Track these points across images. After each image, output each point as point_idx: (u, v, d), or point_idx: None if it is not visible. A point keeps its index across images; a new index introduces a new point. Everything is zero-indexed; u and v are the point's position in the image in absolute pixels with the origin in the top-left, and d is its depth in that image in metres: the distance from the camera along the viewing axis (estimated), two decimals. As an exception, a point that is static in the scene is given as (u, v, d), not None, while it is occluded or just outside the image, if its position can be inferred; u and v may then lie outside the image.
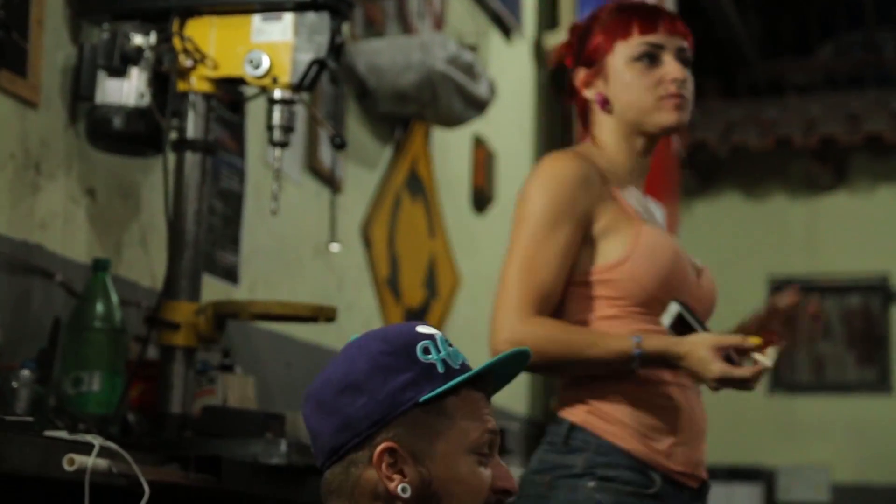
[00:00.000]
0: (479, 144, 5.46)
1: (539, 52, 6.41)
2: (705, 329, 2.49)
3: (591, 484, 2.42)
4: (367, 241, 4.41)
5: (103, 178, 2.98)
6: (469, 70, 4.43)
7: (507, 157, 5.82)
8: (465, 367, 1.73)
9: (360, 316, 4.33)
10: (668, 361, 2.46)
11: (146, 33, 2.78)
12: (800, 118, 8.22)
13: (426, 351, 1.70)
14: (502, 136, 5.75)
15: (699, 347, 2.42)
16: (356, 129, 4.37)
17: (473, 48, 5.07)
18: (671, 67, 2.58)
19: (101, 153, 2.91)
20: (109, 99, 2.79)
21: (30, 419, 2.16)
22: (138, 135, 2.80)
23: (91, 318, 2.65)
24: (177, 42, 2.78)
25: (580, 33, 2.67)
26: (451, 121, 4.57)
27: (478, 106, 4.55)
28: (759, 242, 8.59)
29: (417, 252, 4.83)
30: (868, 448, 8.21)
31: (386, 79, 4.26)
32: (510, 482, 1.75)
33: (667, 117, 2.60)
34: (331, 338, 4.06)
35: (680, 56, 2.61)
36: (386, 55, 4.29)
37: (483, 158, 5.49)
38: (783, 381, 8.49)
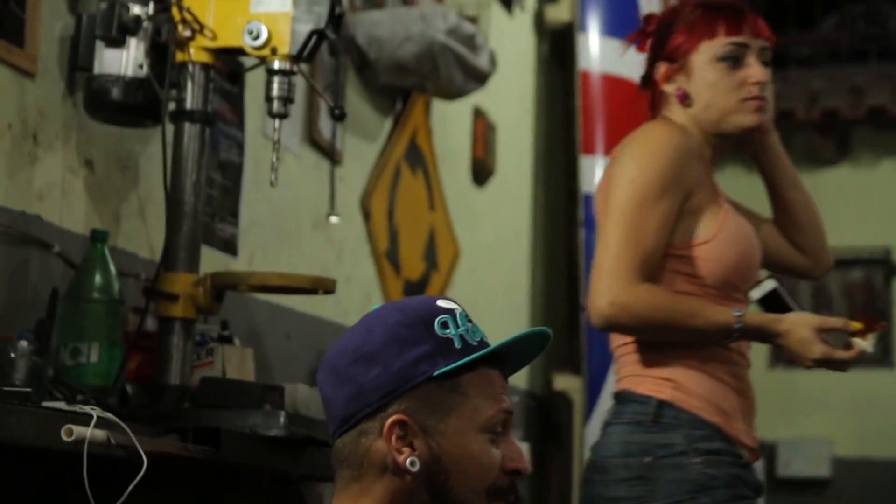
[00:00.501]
0: (480, 116, 5.45)
1: (540, 24, 6.40)
2: (801, 308, 2.55)
3: (698, 460, 2.44)
4: (367, 214, 4.40)
5: (101, 149, 2.97)
6: (469, 42, 4.41)
7: (507, 129, 5.81)
8: (483, 344, 1.72)
9: (360, 288, 4.33)
10: (766, 337, 2.54)
11: (144, 3, 2.77)
12: (802, 91, 8.19)
13: (444, 325, 1.69)
14: (503, 109, 5.74)
15: (800, 327, 2.48)
16: (356, 100, 4.35)
17: (474, 20, 5.05)
18: (754, 70, 2.61)
19: (99, 124, 2.90)
20: (107, 69, 2.78)
21: (28, 390, 2.16)
22: (136, 105, 2.79)
23: (89, 290, 2.65)
24: (175, 12, 2.77)
25: (660, 27, 2.67)
26: (452, 93, 4.56)
27: (478, 78, 4.53)
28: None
29: (417, 224, 4.82)
30: (869, 422, 8.21)
31: (386, 50, 4.24)
32: (522, 462, 1.74)
33: (748, 119, 2.64)
34: (330, 310, 4.05)
35: (762, 56, 2.63)
36: (386, 26, 4.27)
37: (483, 131, 5.47)
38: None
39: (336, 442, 1.72)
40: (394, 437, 1.66)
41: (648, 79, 2.70)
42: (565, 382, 6.13)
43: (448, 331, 1.69)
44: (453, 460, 1.68)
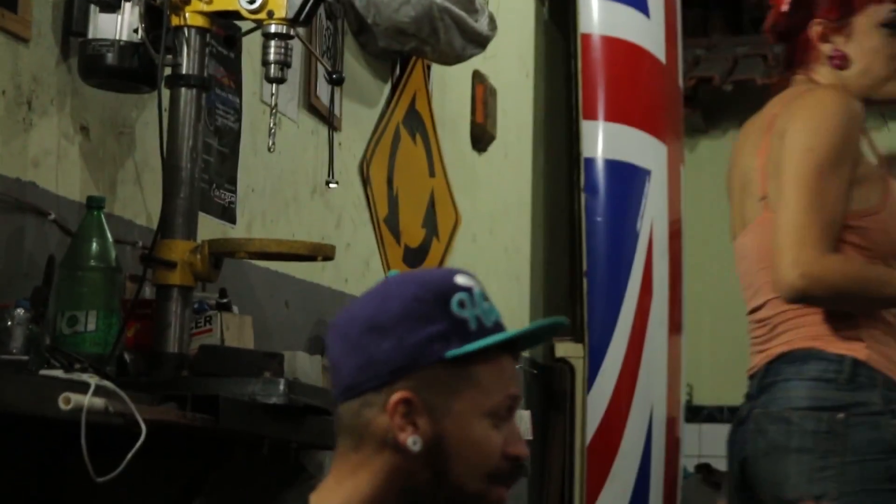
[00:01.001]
0: (480, 81, 5.41)
1: (540, -13, 6.36)
2: None
3: (894, 421, 2.43)
4: (366, 180, 4.38)
5: (97, 115, 2.94)
6: (469, 5, 4.38)
7: (507, 94, 5.78)
8: (497, 327, 1.70)
9: (359, 255, 4.31)
10: None
11: (138, -34, 2.74)
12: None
13: (461, 304, 1.67)
14: (503, 73, 5.70)
15: None
16: (354, 65, 4.32)
17: (473, -17, 5.01)
18: None
19: (94, 90, 2.87)
20: (102, 34, 2.75)
21: (25, 358, 2.15)
22: (132, 70, 2.76)
23: (86, 257, 2.63)
24: (170, -25, 2.74)
25: None
26: (451, 57, 4.52)
27: (478, 42, 4.50)
28: (763, 181, 8.55)
29: (417, 190, 4.79)
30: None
31: (384, 13, 4.20)
32: (522, 448, 1.72)
33: None
34: (329, 277, 4.04)
35: None
36: (384, -11, 4.23)
37: (483, 95, 5.44)
38: None
39: (340, 408, 1.71)
40: (398, 415, 1.65)
41: (788, 33, 2.66)
42: (567, 350, 6.12)
43: (464, 311, 1.67)
44: (455, 444, 1.66)
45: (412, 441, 1.64)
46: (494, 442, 1.68)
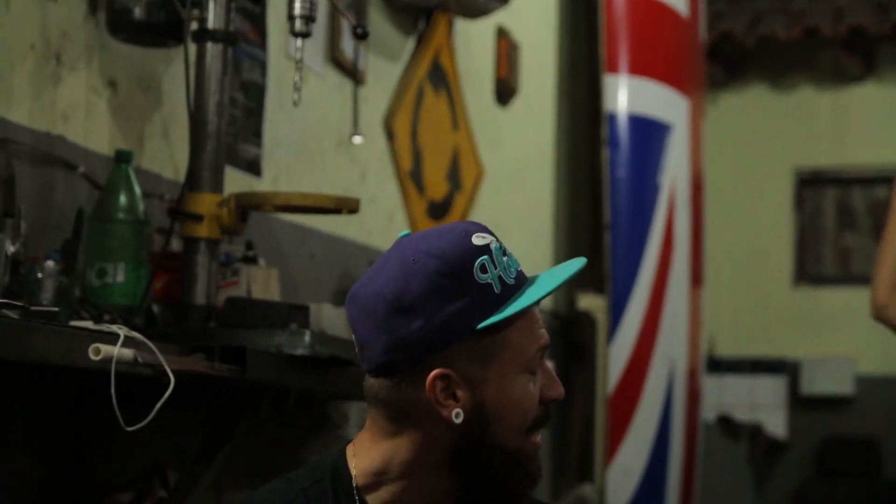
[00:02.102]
0: (503, 35, 5.41)
1: (563, -60, 6.34)
2: None
3: None
4: (390, 134, 4.40)
5: (125, 70, 2.97)
6: (492, -41, 4.38)
7: (530, 48, 5.77)
8: (520, 278, 1.69)
9: (384, 208, 4.33)
10: None
11: (165, -79, 2.75)
12: (828, 8, 8.10)
13: (483, 269, 1.65)
14: (526, 28, 5.70)
15: None
16: (378, 19, 4.33)
17: (497, -63, 5.00)
18: None
19: (121, 44, 2.89)
20: (129, -11, 2.77)
21: (55, 310, 2.16)
22: (159, 25, 2.78)
23: (114, 210, 2.65)
24: (196, -69, 2.75)
25: None
26: (475, 11, 4.53)
27: (501, -4, 4.50)
28: (786, 134, 8.53)
29: (440, 144, 4.81)
30: (893, 340, 8.14)
31: (408, -32, 4.21)
32: (558, 390, 1.73)
33: None
34: (354, 230, 4.06)
35: None
36: (408, -56, 4.24)
37: (506, 50, 5.44)
38: (808, 273, 8.48)
39: (371, 380, 1.70)
40: (437, 391, 1.64)
41: None
42: (589, 302, 6.14)
43: (487, 275, 1.65)
44: (496, 407, 1.66)
45: (454, 414, 1.64)
46: (533, 395, 1.69)
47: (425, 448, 1.67)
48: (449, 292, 1.63)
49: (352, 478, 1.69)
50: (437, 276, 1.64)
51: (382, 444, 1.69)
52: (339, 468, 1.71)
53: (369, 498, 1.69)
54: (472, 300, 1.64)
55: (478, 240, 1.67)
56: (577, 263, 1.72)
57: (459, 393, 1.65)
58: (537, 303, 1.69)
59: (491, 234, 1.70)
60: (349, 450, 1.73)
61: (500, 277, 1.66)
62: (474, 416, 1.65)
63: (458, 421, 1.65)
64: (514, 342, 1.67)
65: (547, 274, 1.73)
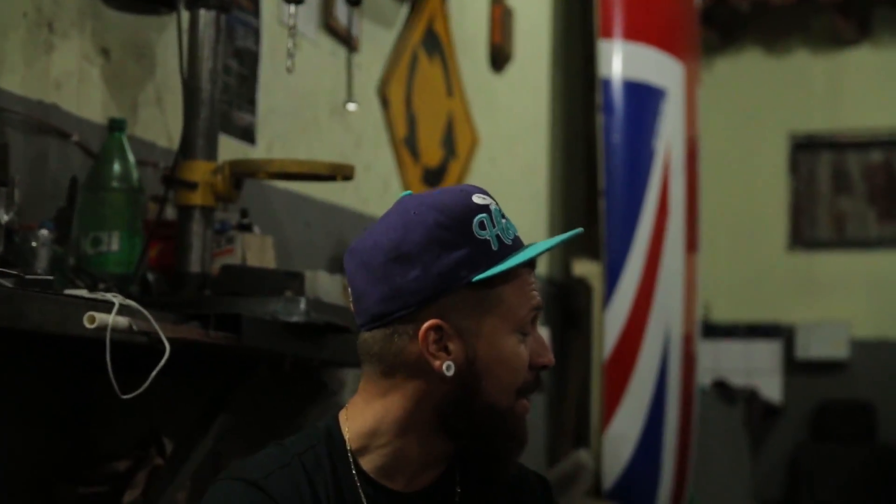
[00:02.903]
0: (497, 1, 5.40)
1: None
2: None
3: None
4: (385, 101, 4.39)
5: (117, 37, 2.96)
6: (486, -75, 4.36)
7: (524, 14, 5.76)
8: (516, 242, 1.70)
9: (378, 175, 4.32)
10: None
11: None
12: (823, -28, 8.10)
13: (482, 226, 1.66)
14: (520, -7, 5.69)
15: None
16: (372, -14, 4.32)
17: None
18: None
19: (114, 11, 2.88)
20: (121, -44, 2.76)
21: (50, 278, 2.16)
22: (151, -8, 2.77)
23: (108, 179, 2.65)
24: None
25: None
26: (468, -23, 4.51)
27: (495, -39, 4.49)
28: (781, 99, 8.53)
29: (435, 111, 4.80)
30: (888, 304, 8.23)
31: (401, -66, 4.19)
32: (548, 357, 1.74)
33: None
34: (349, 197, 4.06)
35: None
36: (401, -90, 4.21)
37: (500, 16, 5.43)
38: (803, 237, 8.48)
39: (365, 335, 1.70)
40: (429, 342, 1.65)
41: None
42: (584, 268, 6.14)
43: (485, 232, 1.66)
44: (486, 363, 1.67)
45: (446, 366, 1.65)
46: (523, 357, 1.70)
47: (416, 404, 1.68)
48: (447, 243, 1.65)
49: (345, 442, 1.70)
50: (436, 227, 1.65)
51: (375, 403, 1.70)
52: (333, 433, 1.71)
53: (363, 461, 1.70)
54: (469, 253, 1.65)
55: (478, 199, 1.69)
56: (573, 232, 1.74)
57: (451, 346, 1.66)
58: (533, 263, 1.71)
59: (491, 197, 1.71)
60: (342, 415, 1.73)
61: (497, 236, 1.68)
62: (465, 370, 1.66)
63: (450, 374, 1.65)
64: (508, 300, 1.68)
65: (543, 241, 1.73)
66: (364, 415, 1.70)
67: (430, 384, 1.67)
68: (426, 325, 1.65)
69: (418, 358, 1.66)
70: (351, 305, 1.72)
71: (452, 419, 1.69)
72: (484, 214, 1.68)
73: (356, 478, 1.69)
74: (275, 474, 1.65)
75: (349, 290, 1.72)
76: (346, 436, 1.70)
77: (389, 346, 1.67)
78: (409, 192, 1.75)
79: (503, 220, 1.70)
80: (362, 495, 1.68)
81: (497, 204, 1.71)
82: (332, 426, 1.72)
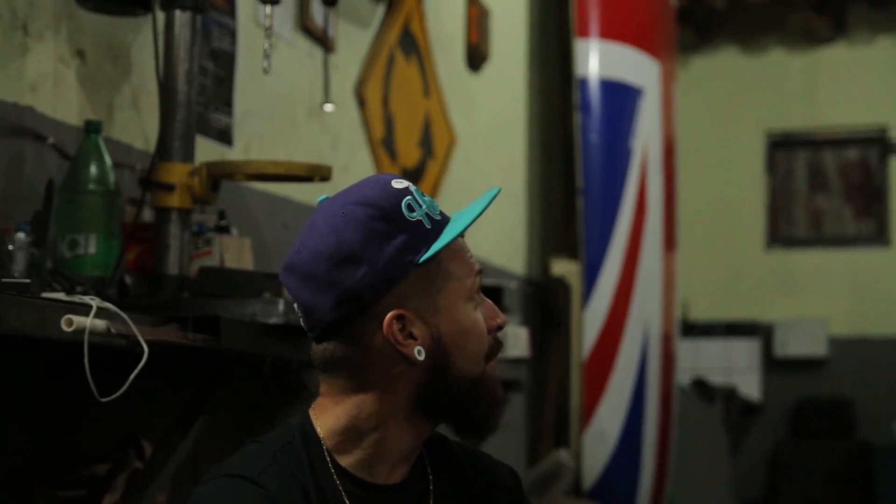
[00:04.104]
0: (473, 1, 5.40)
1: None
2: None
3: None
4: (362, 101, 4.38)
5: (92, 39, 2.94)
6: (461, -76, 4.36)
7: (501, 14, 5.76)
8: (443, 215, 1.72)
9: (356, 176, 4.28)
10: None
11: None
12: (798, -30, 8.12)
13: (410, 208, 1.68)
14: (496, -7, 5.69)
15: None
16: (348, -14, 4.31)
17: None
18: None
19: (89, 13, 2.87)
20: (96, -43, 2.74)
21: (27, 281, 2.14)
22: (126, -7, 2.76)
23: (85, 181, 2.63)
24: None
25: None
26: (445, -23, 4.50)
27: (471, -39, 4.49)
28: (757, 97, 8.55)
29: (412, 111, 4.80)
30: (865, 301, 8.26)
31: (377, -66, 4.19)
32: (501, 318, 1.76)
33: None
34: (327, 198, 4.04)
35: None
36: (377, -90, 4.21)
37: (477, 15, 5.43)
38: (781, 235, 8.51)
39: (322, 347, 1.70)
40: (395, 332, 1.66)
41: None
42: (563, 268, 6.15)
43: (415, 213, 1.68)
44: (452, 337, 1.69)
45: (417, 351, 1.66)
46: (482, 323, 1.72)
47: (392, 395, 1.69)
48: (385, 234, 1.66)
49: (320, 439, 1.70)
50: (369, 221, 1.66)
51: (346, 401, 1.70)
52: (307, 430, 1.72)
53: (340, 458, 1.70)
54: (408, 237, 1.66)
55: (397, 184, 1.71)
56: (493, 191, 1.75)
57: (416, 331, 1.67)
58: (464, 232, 1.72)
59: (405, 180, 1.73)
60: (311, 413, 1.74)
61: (427, 214, 1.69)
62: (434, 349, 1.68)
63: (421, 358, 1.67)
64: (454, 271, 1.70)
65: (466, 208, 1.75)
66: (336, 414, 1.71)
67: (403, 373, 1.68)
68: (388, 316, 1.65)
69: (385, 352, 1.67)
70: (301, 322, 1.72)
71: (431, 400, 1.70)
72: (409, 197, 1.69)
73: (334, 474, 1.69)
74: (266, 471, 1.66)
75: (296, 306, 1.72)
76: (321, 434, 1.71)
77: (354, 349, 1.68)
78: (325, 196, 1.75)
79: (425, 198, 1.72)
80: (342, 490, 1.69)
81: (414, 185, 1.73)
82: (305, 424, 1.73)
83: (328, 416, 1.71)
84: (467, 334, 1.70)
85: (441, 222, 1.71)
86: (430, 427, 1.74)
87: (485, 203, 1.73)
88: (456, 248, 1.71)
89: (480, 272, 1.75)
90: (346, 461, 1.70)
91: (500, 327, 1.75)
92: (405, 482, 1.74)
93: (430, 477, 1.78)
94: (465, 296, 1.71)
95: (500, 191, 1.77)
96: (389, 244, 1.65)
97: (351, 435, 1.70)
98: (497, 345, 1.76)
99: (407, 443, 1.72)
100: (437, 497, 1.76)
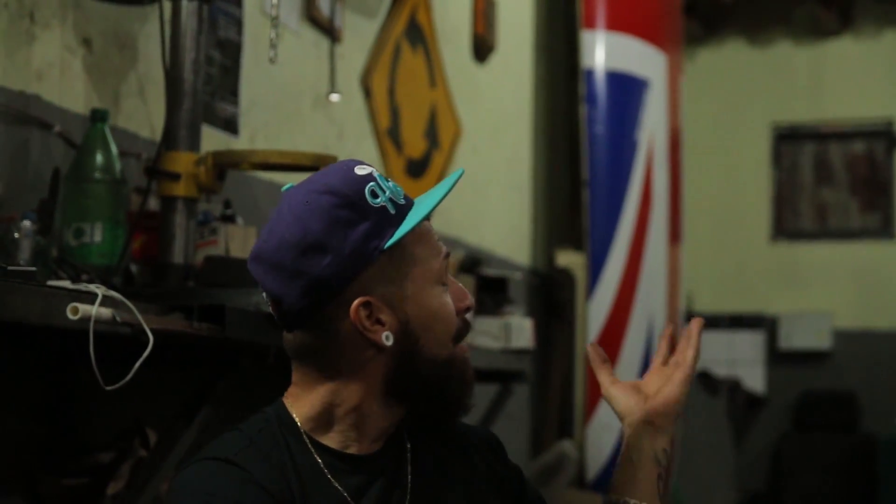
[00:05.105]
0: (480, -8, 5.39)
1: None
2: None
3: None
4: (368, 92, 4.38)
5: (99, 28, 2.94)
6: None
7: (507, 5, 5.75)
8: (408, 199, 1.73)
9: (362, 166, 4.31)
10: None
11: None
12: (805, -38, 8.11)
13: (374, 194, 1.69)
14: (503, -16, 5.68)
15: None
16: (354, -24, 4.31)
17: None
18: None
19: (96, 2, 2.87)
20: (103, -54, 2.74)
21: (32, 269, 2.15)
22: (133, -18, 2.76)
23: (91, 170, 2.64)
24: None
25: None
26: (451, -33, 4.50)
27: (478, -48, 4.48)
28: (763, 90, 8.53)
29: (418, 102, 4.80)
30: (870, 294, 8.25)
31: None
32: (469, 300, 1.78)
33: None
34: (332, 188, 4.04)
35: None
36: None
37: (483, 7, 5.43)
38: (786, 228, 8.50)
39: (293, 335, 1.72)
40: (363, 318, 1.67)
41: None
42: (568, 259, 6.15)
43: (378, 199, 1.69)
44: (420, 322, 1.70)
45: (385, 337, 1.68)
46: (450, 306, 1.74)
47: (364, 380, 1.71)
48: (349, 221, 1.67)
49: (296, 423, 1.72)
50: (333, 209, 1.67)
51: (319, 388, 1.72)
52: (282, 415, 1.74)
53: (318, 438, 1.72)
54: (372, 224, 1.67)
55: (360, 170, 1.71)
56: (456, 174, 1.76)
57: (383, 317, 1.68)
58: (429, 216, 1.72)
59: (369, 165, 1.74)
60: (286, 400, 1.76)
61: (391, 199, 1.70)
62: (402, 334, 1.69)
63: (389, 343, 1.68)
64: (421, 256, 1.71)
65: (431, 191, 1.76)
66: (310, 401, 1.73)
67: (372, 359, 1.70)
68: (354, 304, 1.67)
69: (354, 339, 1.68)
70: (271, 310, 1.73)
71: (402, 384, 1.72)
72: (372, 183, 1.70)
73: (312, 451, 1.71)
74: (243, 452, 1.67)
75: (265, 296, 1.73)
76: (297, 419, 1.73)
77: (325, 337, 1.69)
78: (290, 185, 1.76)
79: (389, 184, 1.72)
80: (320, 462, 1.71)
81: (376, 169, 1.73)
82: (280, 410, 1.75)
83: (302, 403, 1.74)
84: (435, 318, 1.72)
85: (405, 207, 1.72)
86: (403, 409, 1.75)
87: (448, 186, 1.74)
88: (421, 233, 1.72)
89: (447, 255, 1.76)
90: (324, 440, 1.72)
91: (468, 309, 1.77)
92: (382, 449, 1.76)
93: (408, 445, 1.80)
94: (432, 280, 1.72)
95: (462, 173, 1.77)
96: (353, 231, 1.66)
97: (327, 419, 1.73)
98: (465, 326, 1.77)
99: (383, 424, 1.74)
100: (414, 462, 1.78)
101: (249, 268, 1.74)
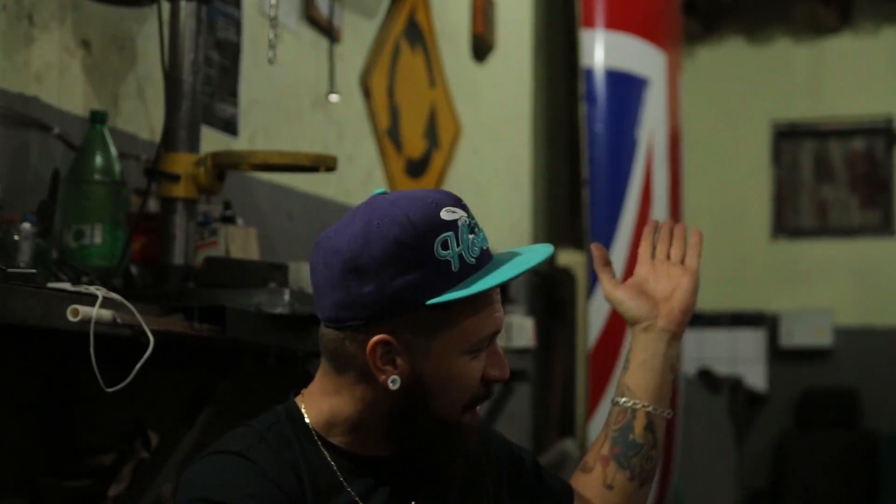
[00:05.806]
0: (479, -9, 5.39)
1: None
2: None
3: None
4: (367, 92, 4.38)
5: (98, 29, 2.94)
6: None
7: (506, 4, 5.75)
8: (482, 257, 1.67)
9: (361, 167, 4.32)
10: None
11: None
12: (803, -41, 8.10)
13: (444, 245, 1.63)
14: (502, -17, 5.68)
15: None
16: (353, -24, 4.31)
17: None
18: None
19: (94, 3, 2.87)
20: (101, -52, 2.74)
21: (33, 271, 2.14)
22: (131, -16, 2.76)
23: (90, 171, 2.64)
24: None
25: None
26: (450, -33, 4.50)
27: (476, -49, 4.48)
28: (763, 87, 8.53)
29: (418, 102, 4.79)
30: (871, 291, 8.25)
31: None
32: (503, 372, 1.73)
33: None
34: (332, 189, 4.05)
35: None
36: None
37: (482, 6, 5.42)
38: (786, 225, 8.50)
39: (324, 329, 1.71)
40: (376, 355, 1.65)
41: None
42: (568, 258, 6.15)
43: (447, 252, 1.63)
44: (434, 381, 1.67)
45: (391, 381, 1.65)
46: (473, 374, 1.69)
47: (365, 408, 1.70)
48: (404, 263, 1.62)
49: (307, 421, 1.72)
50: (395, 245, 1.62)
51: (330, 397, 1.72)
52: (293, 413, 1.73)
53: (329, 438, 1.72)
54: (426, 274, 1.62)
55: (446, 214, 1.65)
56: (544, 251, 1.72)
57: (399, 360, 1.65)
58: (492, 288, 1.67)
59: (463, 208, 1.68)
60: (298, 399, 1.75)
61: (460, 255, 1.64)
62: (411, 385, 1.66)
63: (394, 387, 1.66)
64: (465, 322, 1.66)
65: (512, 259, 1.71)
66: (320, 405, 1.72)
67: (376, 393, 1.68)
68: (375, 339, 1.64)
69: (365, 367, 1.66)
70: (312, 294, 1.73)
71: (399, 428, 1.70)
72: (449, 233, 1.64)
73: (322, 448, 1.70)
74: (254, 447, 1.67)
75: (311, 280, 1.71)
76: (307, 418, 1.72)
77: (342, 348, 1.68)
78: (382, 190, 1.72)
79: (470, 237, 1.66)
80: (331, 462, 1.70)
81: (469, 215, 1.67)
82: (290, 408, 1.74)
83: (314, 405, 1.73)
84: (451, 382, 1.67)
85: (472, 267, 1.65)
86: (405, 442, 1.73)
87: (527, 265, 1.68)
88: (478, 304, 1.67)
89: (498, 331, 1.70)
90: (334, 440, 1.72)
91: (498, 380, 1.72)
92: (395, 453, 1.74)
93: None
94: (465, 348, 1.67)
95: (552, 251, 1.72)
96: (404, 276, 1.62)
97: (334, 426, 1.72)
98: (484, 394, 1.73)
99: (385, 442, 1.73)
100: (429, 466, 1.76)
101: (311, 249, 1.71)
